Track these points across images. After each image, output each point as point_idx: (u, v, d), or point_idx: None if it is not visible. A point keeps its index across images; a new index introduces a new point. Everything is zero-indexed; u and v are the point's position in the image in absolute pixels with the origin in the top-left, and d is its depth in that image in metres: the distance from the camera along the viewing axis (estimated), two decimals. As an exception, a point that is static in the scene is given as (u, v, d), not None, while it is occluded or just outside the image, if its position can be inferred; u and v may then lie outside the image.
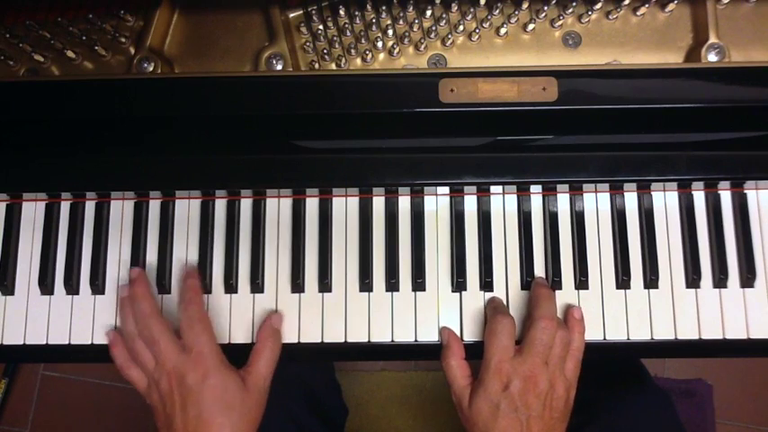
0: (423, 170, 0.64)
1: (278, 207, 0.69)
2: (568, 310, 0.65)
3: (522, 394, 0.58)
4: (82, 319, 0.67)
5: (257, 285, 0.67)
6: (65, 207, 0.69)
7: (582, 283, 0.66)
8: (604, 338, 0.65)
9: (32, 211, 0.69)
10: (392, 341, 0.66)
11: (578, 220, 0.68)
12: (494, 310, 0.64)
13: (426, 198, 0.68)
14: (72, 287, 0.67)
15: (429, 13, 0.68)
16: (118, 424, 1.44)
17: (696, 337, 0.65)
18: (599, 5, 0.67)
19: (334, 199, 0.69)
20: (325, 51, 0.67)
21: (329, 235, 0.68)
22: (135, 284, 0.63)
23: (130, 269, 0.66)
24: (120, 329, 0.66)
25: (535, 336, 0.60)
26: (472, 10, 0.67)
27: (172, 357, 0.59)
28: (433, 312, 0.66)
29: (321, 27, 0.68)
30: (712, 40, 0.66)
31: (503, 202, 0.68)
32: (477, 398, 0.60)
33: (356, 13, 0.68)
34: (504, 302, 0.66)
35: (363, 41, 0.68)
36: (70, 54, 0.68)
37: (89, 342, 0.67)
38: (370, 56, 0.67)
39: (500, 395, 0.58)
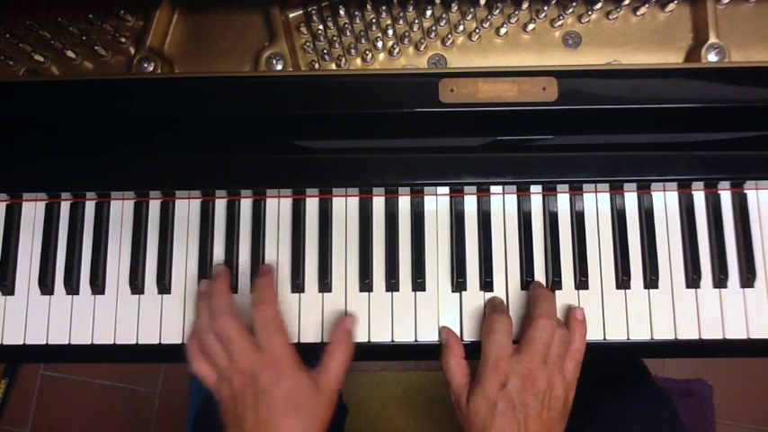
0: (423, 170, 0.64)
1: (278, 207, 0.69)
2: (570, 310, 0.65)
3: (520, 393, 0.58)
4: (82, 319, 0.67)
5: (257, 285, 0.67)
6: (65, 207, 0.69)
7: (582, 283, 0.66)
8: (604, 338, 0.65)
9: (32, 211, 0.69)
10: (392, 341, 0.66)
11: (578, 220, 0.68)
12: (491, 309, 0.64)
13: (426, 198, 0.68)
14: (72, 287, 0.67)
15: (429, 13, 0.68)
16: (118, 424, 1.44)
17: (696, 337, 0.65)
18: (599, 5, 0.67)
19: (334, 199, 0.69)
20: (325, 51, 0.67)
21: (329, 235, 0.68)
22: (217, 281, 0.63)
23: (216, 266, 0.66)
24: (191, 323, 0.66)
25: (534, 334, 0.60)
26: (472, 10, 0.67)
27: (247, 356, 0.59)
28: (433, 312, 0.66)
29: (321, 27, 0.68)
30: (712, 40, 0.66)
31: (503, 202, 0.68)
32: (474, 396, 0.59)
33: (356, 13, 0.68)
34: (504, 303, 0.66)
35: (363, 41, 0.68)
36: (70, 54, 0.68)
37: (89, 342, 0.67)
38: (370, 56, 0.67)
39: (497, 393, 0.58)
